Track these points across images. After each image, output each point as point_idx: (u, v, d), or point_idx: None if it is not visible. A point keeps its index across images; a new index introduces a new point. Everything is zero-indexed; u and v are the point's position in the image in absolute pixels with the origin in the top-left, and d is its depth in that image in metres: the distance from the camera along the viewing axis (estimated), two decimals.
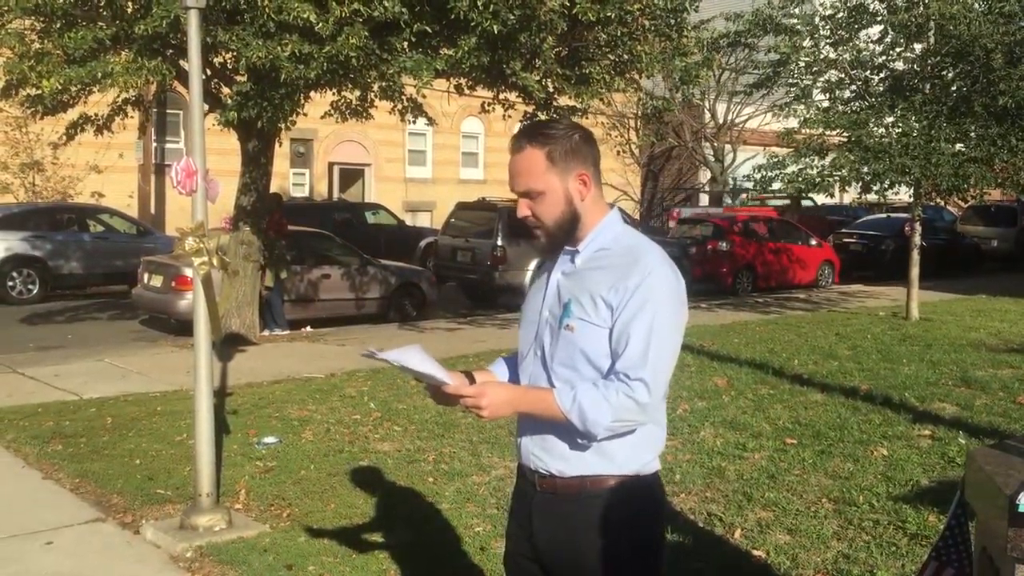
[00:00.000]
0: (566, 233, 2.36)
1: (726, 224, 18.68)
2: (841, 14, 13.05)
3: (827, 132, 13.45)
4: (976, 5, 12.03)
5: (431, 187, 27.49)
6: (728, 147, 26.74)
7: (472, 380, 2.43)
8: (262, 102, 8.79)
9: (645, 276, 2.24)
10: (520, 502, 2.48)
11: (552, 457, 2.33)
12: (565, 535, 2.34)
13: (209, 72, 9.78)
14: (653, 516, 2.39)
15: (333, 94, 10.64)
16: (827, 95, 13.53)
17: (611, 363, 2.26)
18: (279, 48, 7.99)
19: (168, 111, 21.16)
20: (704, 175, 29.49)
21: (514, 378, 2.54)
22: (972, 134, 12.49)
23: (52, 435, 6.68)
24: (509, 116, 10.94)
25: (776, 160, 13.39)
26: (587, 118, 11.15)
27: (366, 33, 8.15)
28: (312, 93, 9.52)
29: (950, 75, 12.93)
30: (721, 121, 26.20)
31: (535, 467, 2.37)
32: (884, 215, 22.62)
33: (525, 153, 2.33)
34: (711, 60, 11.13)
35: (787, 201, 23.61)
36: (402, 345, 2.34)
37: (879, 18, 12.93)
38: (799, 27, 13.08)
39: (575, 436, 2.27)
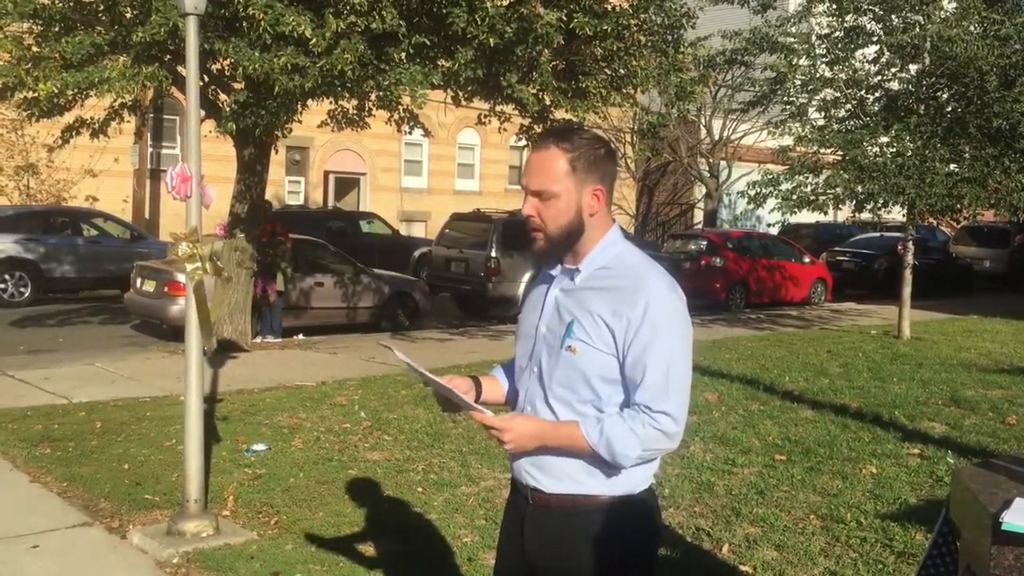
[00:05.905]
0: (566, 243, 2.33)
1: (719, 240, 18.73)
2: (838, 34, 13.13)
3: (822, 150, 13.51)
4: (972, 28, 12.09)
5: (426, 197, 27.51)
6: (723, 163, 26.82)
7: (479, 385, 2.52)
8: (259, 111, 8.80)
9: (649, 303, 2.22)
10: (513, 514, 2.49)
11: (545, 475, 2.33)
12: (556, 548, 2.34)
13: (206, 79, 9.79)
14: (645, 532, 2.38)
15: (330, 103, 10.66)
16: (822, 113, 13.59)
17: (614, 389, 2.27)
18: (274, 60, 8.01)
19: (164, 116, 21.14)
20: (699, 191, 29.54)
21: (512, 388, 2.55)
22: (966, 155, 12.57)
23: (41, 439, 6.66)
24: (505, 129, 10.97)
25: (771, 177, 13.45)
26: None
27: (363, 45, 8.17)
28: (309, 102, 9.53)
29: (945, 96, 13.01)
30: (717, 137, 26.27)
31: (526, 483, 2.38)
32: (877, 234, 22.71)
33: (549, 153, 2.30)
34: (707, 77, 11.14)
35: None
36: (400, 357, 2.38)
37: (875, 38, 13.01)
38: (796, 46, 13.16)
39: (601, 462, 2.27)
